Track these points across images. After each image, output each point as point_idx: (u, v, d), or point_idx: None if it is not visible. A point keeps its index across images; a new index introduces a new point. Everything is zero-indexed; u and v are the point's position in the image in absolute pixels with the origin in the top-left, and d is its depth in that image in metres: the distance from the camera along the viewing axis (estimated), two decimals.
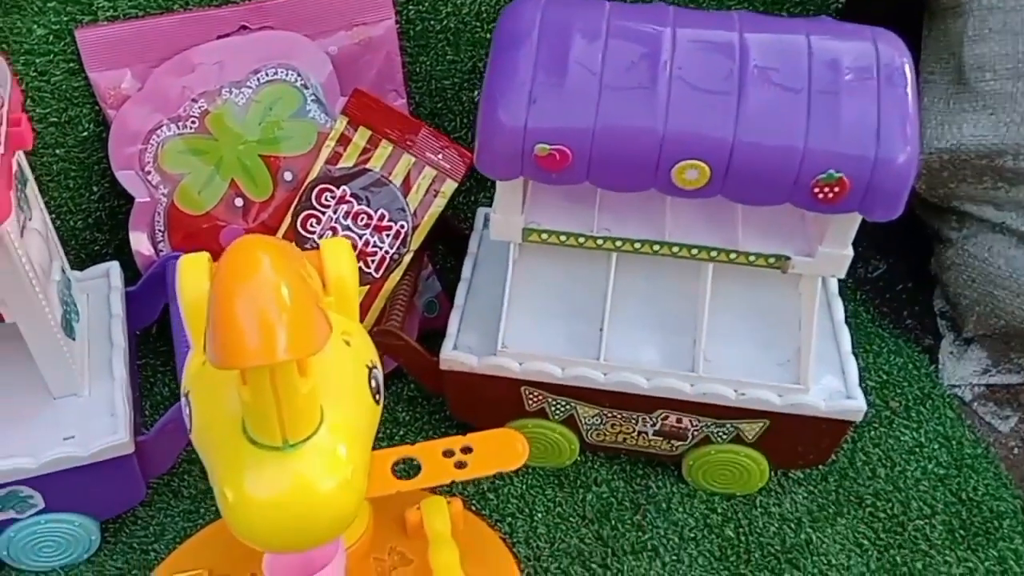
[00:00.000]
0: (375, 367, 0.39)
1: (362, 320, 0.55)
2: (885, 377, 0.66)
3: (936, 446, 0.62)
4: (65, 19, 0.53)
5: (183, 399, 0.38)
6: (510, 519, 0.57)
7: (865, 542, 0.56)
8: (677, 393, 0.52)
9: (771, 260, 0.49)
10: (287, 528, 0.35)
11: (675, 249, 0.50)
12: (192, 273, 0.38)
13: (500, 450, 0.43)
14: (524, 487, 0.58)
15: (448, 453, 0.43)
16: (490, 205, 0.62)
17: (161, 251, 0.57)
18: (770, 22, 0.46)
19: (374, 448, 0.39)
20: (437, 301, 0.64)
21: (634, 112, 0.42)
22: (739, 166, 0.42)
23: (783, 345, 0.53)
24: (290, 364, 0.32)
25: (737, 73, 0.43)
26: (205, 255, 0.39)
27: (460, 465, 0.42)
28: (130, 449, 0.48)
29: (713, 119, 0.42)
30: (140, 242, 0.57)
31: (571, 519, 0.57)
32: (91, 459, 0.48)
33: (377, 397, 0.39)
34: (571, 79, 0.42)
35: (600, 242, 0.50)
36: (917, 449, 0.61)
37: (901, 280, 0.76)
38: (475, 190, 0.66)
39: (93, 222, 0.60)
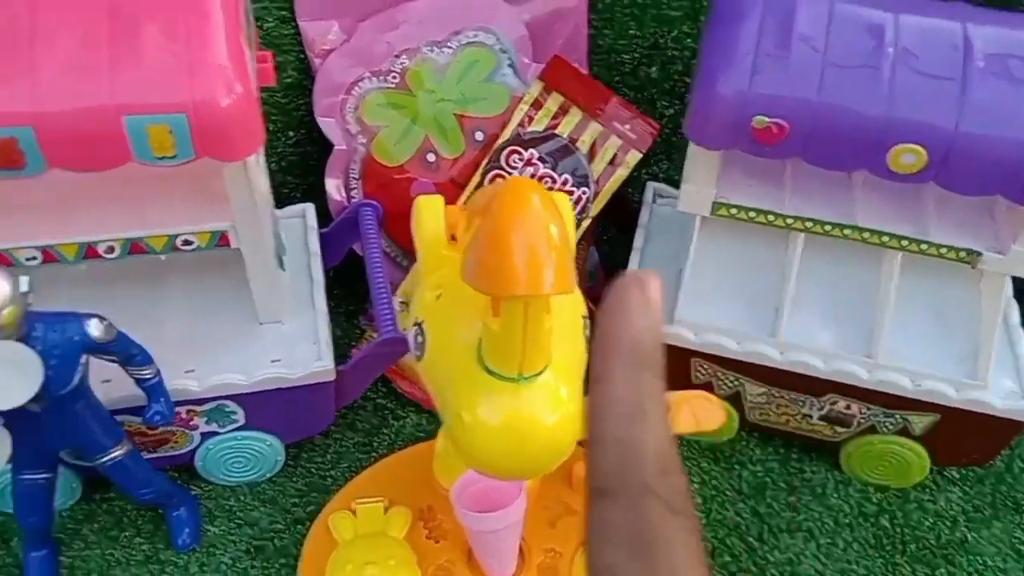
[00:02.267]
0: (586, 317, 0.41)
1: None
2: None
3: None
4: None
5: (413, 328, 0.41)
6: None
7: (1023, 548, 0.56)
8: (852, 378, 0.52)
9: (962, 254, 0.49)
10: (513, 454, 0.37)
11: (866, 235, 0.50)
12: (431, 212, 0.41)
13: (698, 410, 0.44)
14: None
15: None
16: (656, 180, 0.64)
17: (353, 197, 0.60)
18: (995, 15, 0.45)
19: None
20: (594, 271, 0.66)
21: (857, 91, 0.43)
22: (959, 154, 0.42)
23: (961, 341, 0.53)
24: (544, 300, 0.35)
25: (961, 62, 0.43)
26: (440, 198, 0.42)
27: None
28: (332, 376, 0.52)
29: (937, 104, 0.42)
30: (334, 187, 0.60)
31: (727, 492, 0.58)
32: (296, 382, 0.51)
33: (588, 346, 0.41)
34: (795, 54, 0.43)
35: (790, 221, 0.51)
36: None
37: None
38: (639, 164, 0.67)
39: (286, 165, 0.64)
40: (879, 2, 0.44)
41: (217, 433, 0.54)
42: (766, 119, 0.44)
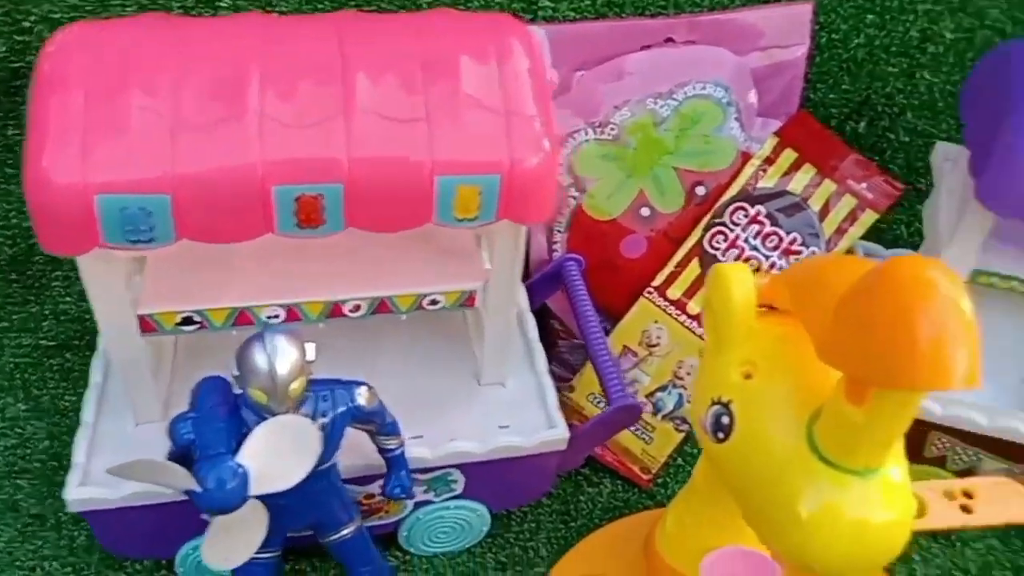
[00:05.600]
0: None
1: None
2: None
3: None
4: None
5: (712, 407, 0.38)
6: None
7: None
8: None
9: None
10: (854, 551, 0.34)
11: None
12: (740, 281, 0.38)
13: (1005, 500, 0.41)
14: None
15: (949, 495, 0.41)
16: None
17: (555, 251, 0.57)
18: None
19: None
20: None
21: None
22: None
23: None
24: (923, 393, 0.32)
25: None
26: (746, 266, 0.39)
27: (966, 510, 0.41)
28: (565, 444, 0.48)
29: None
30: (537, 239, 0.57)
31: (953, 573, 0.54)
32: (530, 450, 0.48)
33: None
34: None
35: None
36: None
37: None
38: None
39: None
40: None
41: (431, 502, 0.50)
42: None
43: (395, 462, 0.44)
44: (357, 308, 0.44)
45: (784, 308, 0.37)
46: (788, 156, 0.54)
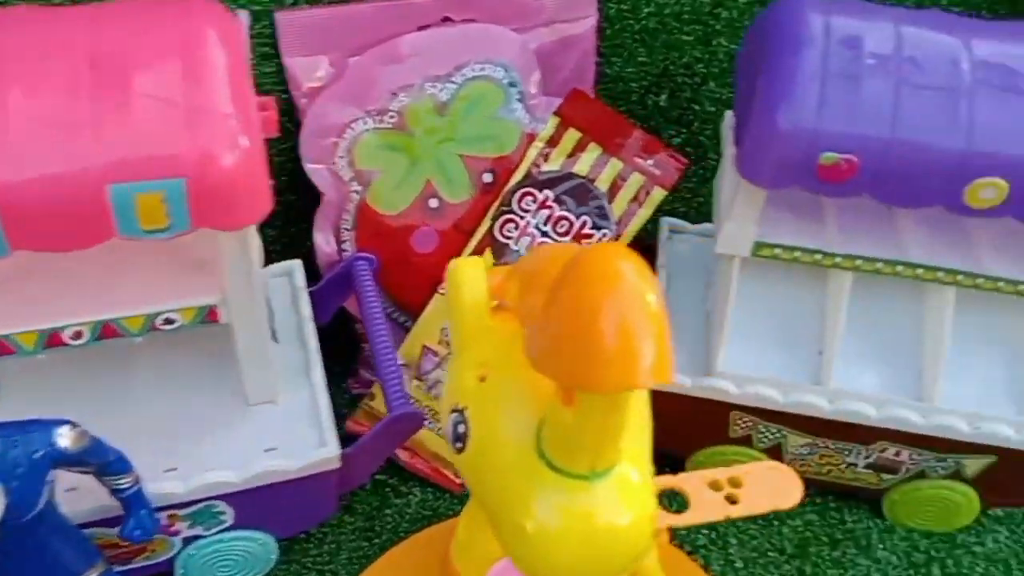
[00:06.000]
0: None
1: None
2: None
3: None
4: (266, 1, 0.50)
5: (451, 415, 0.35)
6: (703, 551, 0.53)
7: None
8: (906, 425, 0.49)
9: (1021, 288, 0.47)
10: (588, 560, 0.32)
11: (919, 271, 0.47)
12: (471, 277, 0.35)
13: (772, 486, 0.39)
14: None
15: (715, 486, 0.39)
16: (671, 216, 0.60)
17: (345, 251, 0.53)
18: None
19: None
20: None
21: (934, 123, 0.39)
22: None
23: (1019, 375, 0.50)
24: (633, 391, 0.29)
25: None
26: (481, 260, 0.36)
27: (731, 500, 0.39)
28: (337, 464, 0.45)
29: (1019, 134, 0.39)
30: (323, 240, 0.53)
31: (769, 554, 0.53)
32: (296, 474, 0.44)
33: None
34: (865, 83, 0.39)
35: (839, 260, 0.47)
36: None
37: None
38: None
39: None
40: (945, 25, 0.41)
41: (202, 536, 0.46)
42: (835, 156, 0.40)
43: (131, 502, 0.40)
44: (79, 335, 0.39)
45: (513, 303, 0.34)
46: (572, 136, 0.52)
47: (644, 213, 0.52)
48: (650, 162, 0.52)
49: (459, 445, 0.35)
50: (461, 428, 0.34)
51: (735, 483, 0.40)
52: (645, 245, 0.58)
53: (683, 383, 0.49)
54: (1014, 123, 0.39)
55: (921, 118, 0.39)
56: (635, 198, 0.52)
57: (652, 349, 0.27)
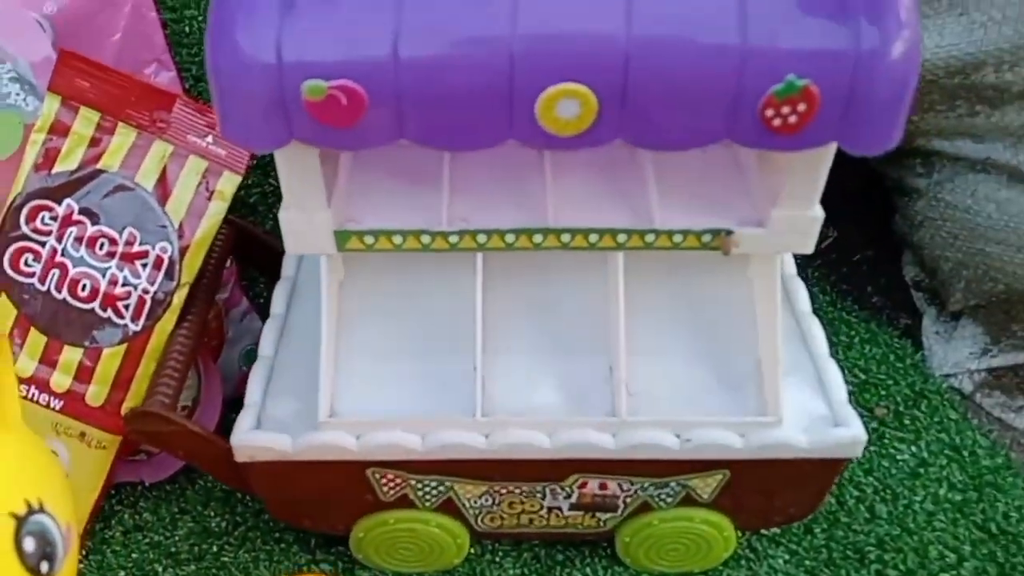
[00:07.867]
0: (38, 511, 0.21)
1: (123, 396, 0.37)
2: (862, 376, 0.51)
3: (944, 461, 0.47)
4: None
5: None
6: None
7: None
8: (595, 450, 0.35)
9: (705, 239, 0.33)
10: None
11: (565, 237, 0.33)
12: None
13: None
14: None
15: None
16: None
17: None
18: None
19: None
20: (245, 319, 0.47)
21: (462, 13, 0.25)
22: (641, 85, 0.26)
23: (734, 359, 0.37)
24: None
25: None
26: None
27: None
28: None
29: (591, 12, 0.25)
30: None
31: None
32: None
33: (44, 567, 0.21)
34: None
35: (455, 240, 0.33)
36: (921, 470, 0.46)
37: (858, 248, 0.61)
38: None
39: None
40: None
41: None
42: (323, 84, 0.25)
43: None
44: None
45: None
46: (88, 117, 0.37)
47: (216, 210, 0.38)
48: (209, 139, 0.37)
49: None
50: None
51: None
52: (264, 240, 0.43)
53: (280, 446, 0.35)
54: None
55: (447, 13, 0.25)
56: (199, 192, 0.37)
57: None
